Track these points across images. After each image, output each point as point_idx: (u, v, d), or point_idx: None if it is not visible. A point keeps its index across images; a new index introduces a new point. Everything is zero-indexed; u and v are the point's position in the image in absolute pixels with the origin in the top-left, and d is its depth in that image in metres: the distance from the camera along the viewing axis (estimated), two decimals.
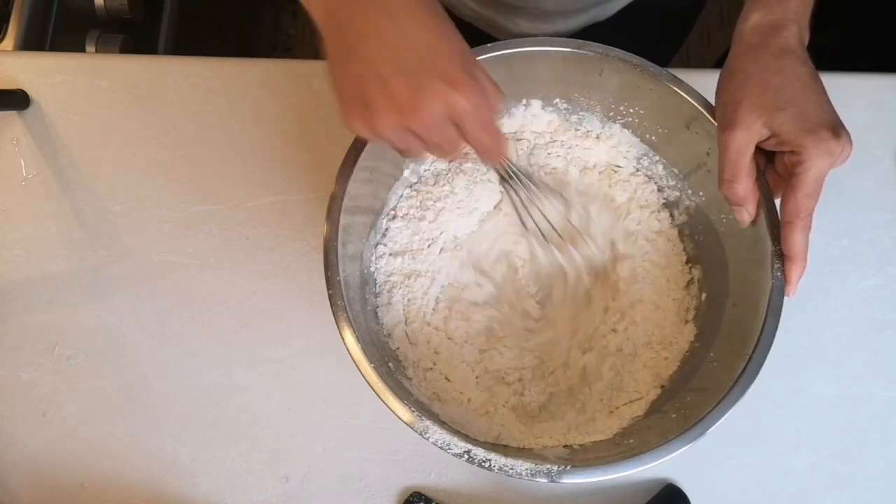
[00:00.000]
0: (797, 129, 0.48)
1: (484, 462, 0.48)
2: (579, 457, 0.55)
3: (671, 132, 0.60)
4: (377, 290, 0.61)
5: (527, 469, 0.48)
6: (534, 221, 0.60)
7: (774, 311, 0.51)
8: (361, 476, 0.63)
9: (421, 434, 0.49)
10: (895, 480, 0.63)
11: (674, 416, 0.54)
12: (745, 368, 0.50)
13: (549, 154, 0.65)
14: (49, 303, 0.67)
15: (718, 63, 0.56)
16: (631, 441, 0.55)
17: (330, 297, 0.51)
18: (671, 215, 0.64)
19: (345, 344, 0.50)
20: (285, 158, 0.70)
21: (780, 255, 0.51)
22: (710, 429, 0.49)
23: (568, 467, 0.48)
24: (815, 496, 0.63)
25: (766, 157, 0.53)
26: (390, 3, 0.43)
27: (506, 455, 0.49)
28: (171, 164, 0.71)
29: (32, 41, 0.86)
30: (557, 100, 0.63)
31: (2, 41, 0.83)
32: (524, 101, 0.63)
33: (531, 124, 0.64)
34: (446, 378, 0.59)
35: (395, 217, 0.63)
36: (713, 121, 0.54)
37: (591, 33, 0.79)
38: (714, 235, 0.60)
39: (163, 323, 0.67)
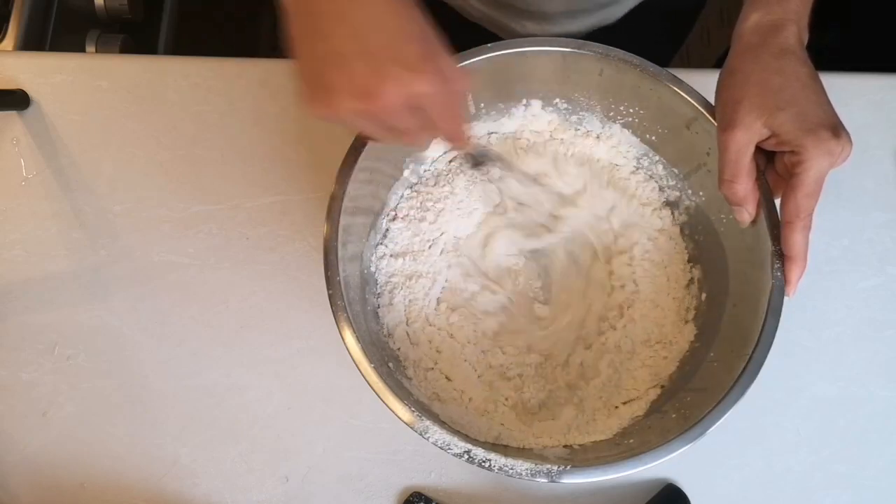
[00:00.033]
0: (797, 129, 0.48)
1: (484, 462, 0.48)
2: (579, 457, 0.55)
3: (671, 132, 0.60)
4: (378, 290, 0.61)
5: (527, 469, 0.48)
6: (510, 199, 0.60)
7: (774, 311, 0.51)
8: (361, 476, 0.63)
9: (421, 434, 0.49)
10: (895, 480, 0.63)
11: (674, 416, 0.54)
12: (745, 368, 0.50)
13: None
14: (49, 303, 0.67)
15: (718, 63, 0.56)
16: (631, 441, 0.55)
17: (330, 297, 0.51)
18: (671, 215, 0.64)
19: (345, 344, 0.50)
20: (285, 158, 0.70)
21: (780, 255, 0.51)
22: (710, 429, 0.49)
23: (568, 467, 0.48)
24: (815, 496, 0.63)
25: (766, 157, 0.53)
26: None
27: (506, 455, 0.49)
28: (171, 164, 0.71)
29: (32, 41, 0.86)
30: (557, 100, 0.63)
31: (2, 41, 0.83)
32: (524, 101, 0.63)
33: (531, 124, 0.64)
34: (447, 377, 0.59)
35: (395, 218, 0.63)
36: (713, 121, 0.54)
37: (595, 36, 0.79)
38: (714, 235, 0.60)
39: (163, 323, 0.67)
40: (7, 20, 0.84)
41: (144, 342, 0.66)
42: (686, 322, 0.61)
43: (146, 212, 0.69)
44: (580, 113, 0.63)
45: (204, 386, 0.65)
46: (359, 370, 0.50)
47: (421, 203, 0.63)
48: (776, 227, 0.52)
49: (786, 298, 0.51)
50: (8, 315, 0.67)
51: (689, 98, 0.56)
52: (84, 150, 0.71)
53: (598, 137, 0.64)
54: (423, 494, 0.62)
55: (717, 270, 0.60)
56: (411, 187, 0.64)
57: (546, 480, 0.48)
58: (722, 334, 0.57)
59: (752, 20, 0.52)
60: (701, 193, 0.61)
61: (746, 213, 0.53)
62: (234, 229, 0.69)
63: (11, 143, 0.71)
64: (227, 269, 0.68)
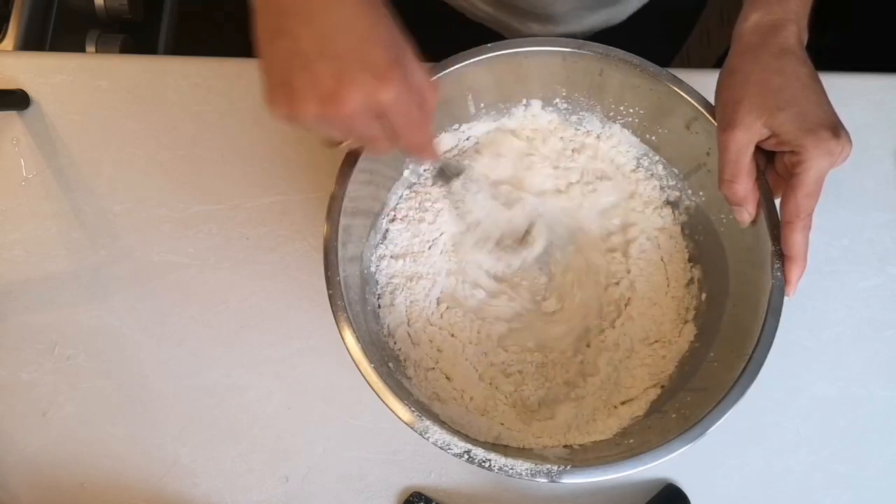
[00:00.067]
0: (797, 129, 0.48)
1: (484, 462, 0.48)
2: (579, 457, 0.55)
3: (671, 132, 0.60)
4: (379, 291, 0.61)
5: (527, 469, 0.48)
6: (471, 218, 0.59)
7: (774, 311, 0.51)
8: (361, 476, 0.63)
9: (421, 434, 0.49)
10: (895, 480, 0.63)
11: (674, 416, 0.54)
12: (745, 368, 0.50)
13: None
14: (49, 303, 0.67)
15: (718, 63, 0.56)
16: (631, 441, 0.55)
17: (330, 297, 0.51)
18: (672, 214, 0.64)
19: (345, 344, 0.50)
20: (285, 158, 0.70)
21: (780, 255, 0.51)
22: (710, 429, 0.49)
23: (568, 467, 0.48)
24: (815, 496, 0.63)
25: (766, 157, 0.53)
26: None
27: (506, 455, 0.49)
28: (171, 164, 0.71)
29: (32, 41, 0.86)
30: (557, 100, 0.63)
31: (2, 41, 0.83)
32: (524, 101, 0.63)
33: (531, 124, 0.64)
34: (447, 377, 0.59)
35: (394, 219, 0.63)
36: (713, 121, 0.54)
37: (598, 35, 0.79)
38: (714, 235, 0.60)
39: (163, 323, 0.67)
40: (7, 20, 0.84)
41: (144, 342, 0.66)
42: (686, 322, 0.61)
43: (146, 212, 0.69)
44: (580, 113, 0.63)
45: (204, 386, 0.65)
46: (359, 370, 0.50)
47: (419, 203, 0.63)
48: (776, 227, 0.52)
49: (786, 298, 0.51)
50: (8, 315, 0.67)
51: (689, 98, 0.56)
52: (84, 150, 0.71)
53: (598, 137, 0.64)
54: (423, 494, 0.62)
55: (717, 270, 0.60)
56: (410, 187, 0.64)
57: (546, 480, 0.48)
58: (722, 334, 0.57)
59: (751, 20, 0.52)
60: (701, 193, 0.61)
61: (746, 213, 0.53)
62: (234, 229, 0.69)
63: (11, 143, 0.71)
64: (227, 269, 0.68)
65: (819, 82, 0.50)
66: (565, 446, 0.56)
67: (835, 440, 0.64)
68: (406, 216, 0.63)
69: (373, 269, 0.61)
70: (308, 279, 0.67)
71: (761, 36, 0.51)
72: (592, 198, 0.64)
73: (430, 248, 0.62)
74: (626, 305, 0.62)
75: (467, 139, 0.64)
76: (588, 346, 0.61)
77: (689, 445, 0.49)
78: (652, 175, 0.64)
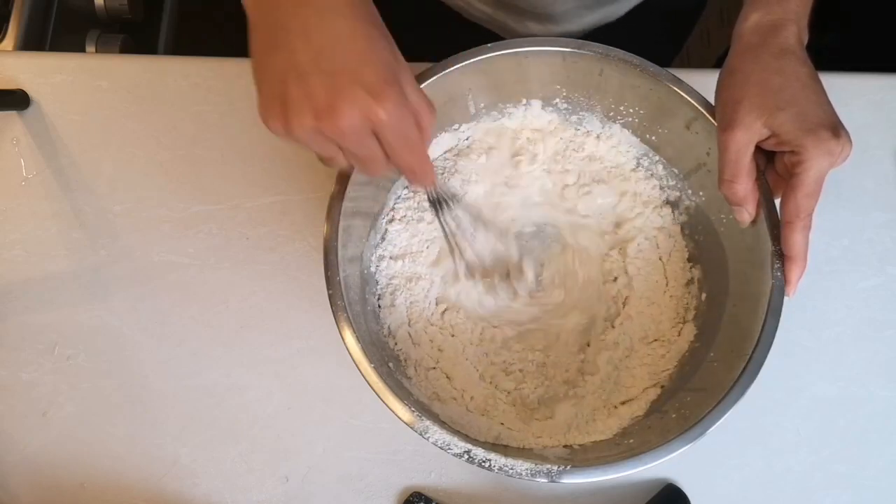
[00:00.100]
0: (797, 129, 0.48)
1: (484, 462, 0.48)
2: (579, 457, 0.55)
3: (671, 132, 0.60)
4: (379, 291, 0.61)
5: (527, 469, 0.48)
6: (462, 252, 0.58)
7: (774, 311, 0.51)
8: (361, 476, 0.63)
9: (421, 434, 0.49)
10: (895, 480, 0.63)
11: (674, 416, 0.54)
12: (745, 368, 0.50)
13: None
14: (49, 303, 0.67)
15: (718, 63, 0.56)
16: (631, 441, 0.55)
17: (330, 297, 0.51)
18: (672, 213, 0.64)
19: (345, 344, 0.50)
20: (285, 158, 0.70)
21: (780, 255, 0.51)
22: (710, 429, 0.49)
23: (568, 467, 0.49)
24: (815, 496, 0.63)
25: (766, 157, 0.53)
26: (322, 0, 0.41)
27: (506, 455, 0.49)
28: (171, 164, 0.71)
29: (32, 41, 0.86)
30: (557, 100, 0.63)
31: (2, 41, 0.83)
32: (524, 101, 0.63)
33: (531, 124, 0.64)
34: (447, 377, 0.59)
35: (393, 220, 0.63)
36: (713, 121, 0.54)
37: (595, 33, 0.79)
38: (714, 235, 0.60)
39: (163, 323, 0.67)
40: (7, 20, 0.84)
41: (144, 342, 0.66)
42: (686, 321, 0.61)
43: (146, 212, 0.69)
44: (580, 113, 0.63)
45: (204, 386, 0.65)
46: (359, 370, 0.50)
47: (418, 204, 0.63)
48: (776, 227, 0.52)
49: (786, 298, 0.51)
50: (8, 315, 0.67)
51: (689, 98, 0.56)
52: (84, 150, 0.71)
53: (598, 137, 0.64)
54: (423, 494, 0.62)
55: (717, 270, 0.60)
56: (408, 188, 0.64)
57: (546, 480, 0.48)
58: (722, 334, 0.57)
59: (752, 20, 0.52)
60: (701, 193, 0.61)
61: (746, 213, 0.53)
62: (234, 229, 0.69)
63: (11, 143, 0.71)
64: (227, 269, 0.68)
65: (819, 82, 0.50)
66: (565, 446, 0.56)
67: (835, 440, 0.64)
68: (405, 216, 0.63)
69: (373, 269, 0.61)
70: (308, 279, 0.67)
71: (761, 36, 0.51)
72: (588, 200, 0.64)
73: (428, 247, 0.62)
74: (624, 304, 0.62)
75: (467, 139, 0.64)
76: (588, 345, 0.61)
77: (689, 445, 0.49)
78: (652, 175, 0.64)
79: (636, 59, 0.56)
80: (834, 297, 0.67)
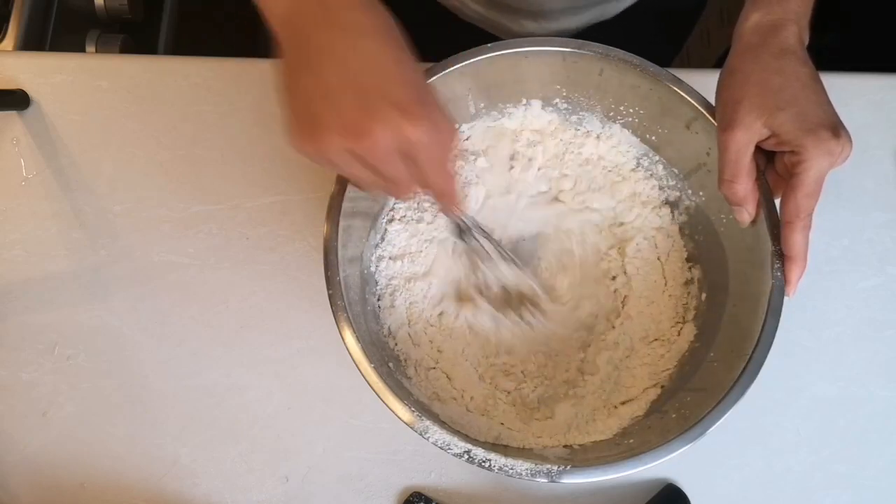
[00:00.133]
0: (797, 129, 0.48)
1: (484, 462, 0.48)
2: (579, 457, 0.55)
3: (671, 132, 0.60)
4: (379, 292, 0.61)
5: (527, 469, 0.48)
6: (486, 282, 0.58)
7: (774, 311, 0.51)
8: (361, 476, 0.63)
9: (421, 434, 0.49)
10: (895, 480, 0.63)
11: (674, 416, 0.54)
12: (745, 368, 0.50)
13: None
14: (49, 303, 0.67)
15: (718, 63, 0.56)
16: (631, 441, 0.55)
17: (330, 297, 0.51)
18: (671, 213, 0.64)
19: (345, 344, 0.50)
20: (285, 158, 0.70)
21: (780, 255, 0.51)
22: (710, 429, 0.49)
23: (568, 467, 0.48)
24: (815, 496, 0.63)
25: (766, 157, 0.53)
26: (350, 21, 0.41)
27: (506, 455, 0.49)
28: (171, 164, 0.71)
29: (32, 41, 0.86)
30: (557, 100, 0.63)
31: (2, 41, 0.83)
32: (524, 101, 0.63)
33: (531, 124, 0.64)
34: (447, 377, 0.59)
35: (392, 220, 0.63)
36: (713, 121, 0.54)
37: (593, 33, 0.79)
38: (714, 235, 0.60)
39: (163, 323, 0.67)
40: (7, 20, 0.84)
41: (144, 342, 0.66)
42: (686, 321, 0.61)
43: (146, 212, 0.69)
44: (580, 113, 0.63)
45: (204, 386, 0.65)
46: (359, 370, 0.50)
47: (418, 203, 0.63)
48: (776, 227, 0.52)
49: (786, 298, 0.51)
50: (8, 315, 0.67)
51: (689, 98, 0.56)
52: (84, 150, 0.71)
53: (598, 137, 0.64)
54: (423, 494, 0.62)
55: (716, 270, 0.60)
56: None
57: (546, 480, 0.48)
58: (722, 334, 0.57)
59: (752, 20, 0.52)
60: (701, 193, 0.61)
61: (746, 213, 0.53)
62: (234, 229, 0.69)
63: (11, 143, 0.71)
64: (227, 269, 0.68)
65: (819, 82, 0.50)
66: (565, 446, 0.56)
67: (835, 440, 0.64)
68: (404, 216, 0.63)
69: (373, 269, 0.61)
70: (308, 279, 0.67)
71: (762, 36, 0.51)
72: (585, 205, 0.64)
73: (428, 247, 0.62)
74: (623, 304, 0.62)
75: (467, 139, 0.64)
76: (588, 345, 0.61)
77: (689, 445, 0.49)
78: (651, 175, 0.64)
79: (636, 59, 0.56)
80: (834, 297, 0.67)
